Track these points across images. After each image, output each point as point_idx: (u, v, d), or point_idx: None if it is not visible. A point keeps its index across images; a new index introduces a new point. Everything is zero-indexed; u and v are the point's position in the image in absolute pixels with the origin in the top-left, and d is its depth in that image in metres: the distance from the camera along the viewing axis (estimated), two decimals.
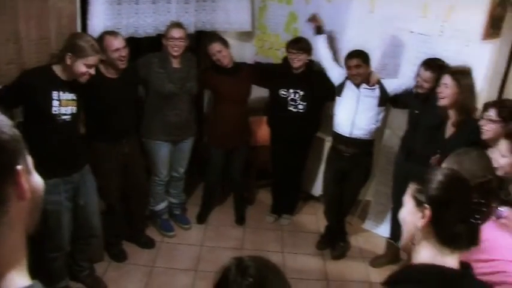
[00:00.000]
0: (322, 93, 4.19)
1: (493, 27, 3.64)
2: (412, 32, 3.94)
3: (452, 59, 3.67)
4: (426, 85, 3.53)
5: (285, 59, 4.25)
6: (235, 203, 4.80)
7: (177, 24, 3.88)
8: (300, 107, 4.20)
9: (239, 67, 4.22)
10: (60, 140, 3.06)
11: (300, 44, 4.11)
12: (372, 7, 4.20)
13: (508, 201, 2.16)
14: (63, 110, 3.03)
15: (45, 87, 2.95)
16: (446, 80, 3.17)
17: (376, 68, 4.05)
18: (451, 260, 1.42)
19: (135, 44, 3.93)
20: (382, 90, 3.86)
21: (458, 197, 1.46)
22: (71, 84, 3.04)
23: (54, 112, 2.99)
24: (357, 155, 3.96)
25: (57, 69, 3.00)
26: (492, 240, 1.82)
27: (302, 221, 4.82)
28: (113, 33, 3.46)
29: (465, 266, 1.44)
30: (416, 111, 3.66)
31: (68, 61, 2.93)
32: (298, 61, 4.09)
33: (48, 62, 3.03)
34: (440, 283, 1.39)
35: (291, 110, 4.22)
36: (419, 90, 3.59)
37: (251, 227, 4.64)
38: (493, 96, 5.20)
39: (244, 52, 5.02)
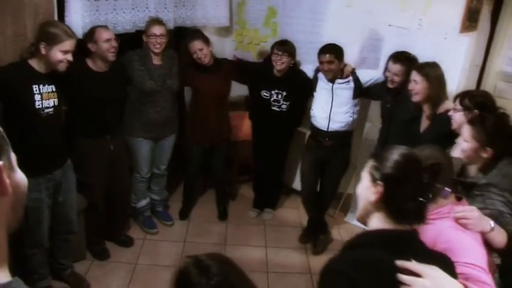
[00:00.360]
0: (304, 91, 4.19)
1: (470, 20, 3.69)
2: (390, 25, 3.97)
3: (431, 52, 3.72)
4: (396, 78, 3.55)
5: (266, 60, 4.23)
6: (217, 198, 4.80)
7: (158, 21, 3.83)
8: (284, 106, 4.20)
9: (219, 64, 4.20)
10: (44, 135, 3.02)
11: (286, 47, 4.07)
12: (349, 1, 4.22)
13: (468, 184, 2.30)
14: (45, 103, 2.98)
15: (24, 81, 2.90)
16: (415, 76, 3.20)
17: (355, 62, 4.08)
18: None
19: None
20: (357, 81, 3.89)
21: (411, 177, 1.53)
22: (49, 76, 2.99)
23: (37, 107, 2.94)
24: (335, 145, 4.01)
25: (33, 62, 2.95)
26: (455, 242, 1.85)
27: (284, 216, 4.84)
28: (103, 26, 3.47)
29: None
30: (388, 105, 3.71)
31: (43, 51, 2.88)
32: (281, 63, 4.05)
33: (21, 57, 2.97)
34: (389, 243, 1.48)
35: (274, 110, 4.22)
36: (390, 85, 3.60)
37: (234, 222, 4.65)
38: (471, 87, 5.27)
39: (223, 47, 5.01)
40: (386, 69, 3.66)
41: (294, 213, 4.88)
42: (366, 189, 1.59)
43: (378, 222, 1.56)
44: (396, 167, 1.52)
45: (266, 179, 4.70)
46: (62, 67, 2.95)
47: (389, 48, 3.96)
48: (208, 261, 1.37)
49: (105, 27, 3.48)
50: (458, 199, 2.09)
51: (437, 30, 3.72)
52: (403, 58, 3.55)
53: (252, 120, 4.58)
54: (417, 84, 3.19)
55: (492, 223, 1.97)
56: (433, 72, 3.20)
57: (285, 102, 4.18)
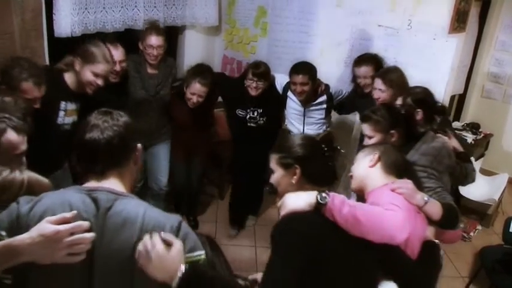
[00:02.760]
0: (279, 107, 4.07)
1: (459, 21, 3.71)
2: (380, 25, 3.99)
3: (420, 52, 3.74)
4: (368, 81, 3.53)
5: (242, 78, 3.96)
6: (188, 209, 4.51)
7: (156, 29, 3.64)
8: (261, 122, 3.98)
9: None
10: (57, 146, 2.92)
11: (261, 71, 3.80)
12: (339, 1, 4.23)
13: None
14: (66, 119, 2.96)
15: (55, 97, 2.86)
16: (380, 85, 3.20)
17: (345, 62, 4.07)
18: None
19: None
20: (329, 98, 3.83)
21: (315, 150, 1.90)
22: (77, 94, 2.95)
23: (59, 122, 2.92)
24: None
25: (67, 77, 2.92)
26: (384, 195, 2.02)
27: (273, 214, 4.82)
28: (114, 43, 3.34)
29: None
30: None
31: (77, 66, 2.86)
32: (256, 90, 3.79)
33: (58, 69, 2.94)
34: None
35: (251, 126, 3.99)
36: (366, 90, 3.56)
37: (223, 221, 4.62)
38: (460, 87, 5.32)
39: (213, 46, 5.01)
40: (354, 77, 3.64)
41: None
42: (283, 177, 1.86)
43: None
44: (303, 148, 1.87)
45: (245, 194, 4.41)
46: (90, 89, 2.88)
47: (378, 48, 3.97)
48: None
49: (116, 44, 3.36)
50: None
51: (426, 30, 3.74)
52: (365, 58, 3.58)
53: (231, 133, 4.36)
54: (383, 93, 3.19)
55: (426, 197, 2.11)
56: (396, 78, 3.21)
57: (261, 118, 3.97)
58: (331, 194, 1.72)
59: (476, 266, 4.05)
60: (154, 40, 3.58)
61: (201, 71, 3.74)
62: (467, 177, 2.90)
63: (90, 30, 3.60)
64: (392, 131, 2.61)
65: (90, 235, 1.39)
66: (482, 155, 5.25)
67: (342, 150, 2.20)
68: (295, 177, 1.82)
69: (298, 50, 4.51)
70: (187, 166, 4.20)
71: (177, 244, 1.42)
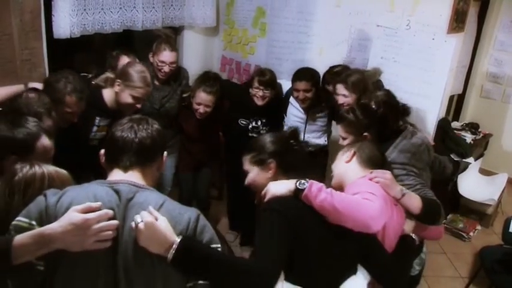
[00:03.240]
0: (281, 114, 3.93)
1: (457, 21, 3.70)
2: (379, 25, 3.98)
3: (419, 52, 3.74)
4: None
5: (247, 85, 3.81)
6: None
7: (170, 44, 3.58)
8: (263, 132, 3.80)
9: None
10: (83, 160, 2.72)
11: (267, 79, 3.64)
12: (338, 1, 4.23)
13: None
14: (98, 134, 2.97)
15: (92, 113, 2.87)
16: (342, 90, 3.15)
17: (344, 62, 4.07)
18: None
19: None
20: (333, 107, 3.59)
21: (286, 144, 2.07)
22: (112, 111, 2.95)
23: (90, 137, 2.93)
24: (312, 153, 3.86)
25: (106, 93, 2.92)
26: (361, 183, 2.11)
27: None
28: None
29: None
30: None
31: (117, 88, 2.87)
32: (263, 99, 3.64)
33: (96, 86, 2.95)
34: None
35: (252, 136, 3.75)
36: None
37: (222, 221, 4.61)
38: (459, 88, 5.33)
39: (212, 47, 5.00)
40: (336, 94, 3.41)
41: None
42: (259, 175, 2.02)
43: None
44: (275, 143, 2.04)
45: (241, 206, 4.06)
46: (128, 111, 2.83)
47: (377, 48, 3.98)
48: None
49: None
50: None
51: (425, 30, 3.73)
52: (332, 75, 3.51)
53: (226, 146, 4.20)
54: (347, 98, 3.15)
55: (404, 190, 2.18)
56: (357, 81, 3.13)
57: (264, 128, 3.84)
58: (310, 181, 1.85)
59: (475, 266, 4.05)
60: (168, 57, 3.53)
61: (206, 79, 3.60)
62: (445, 170, 2.95)
63: (89, 31, 3.59)
64: (365, 134, 2.60)
65: (116, 222, 1.49)
66: (481, 155, 5.25)
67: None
68: (270, 171, 2.00)
69: (297, 51, 4.50)
70: (194, 176, 4.07)
71: (163, 218, 1.52)
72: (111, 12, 3.76)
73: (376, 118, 2.64)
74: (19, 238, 1.43)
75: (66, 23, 3.41)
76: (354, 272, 1.92)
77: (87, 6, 3.58)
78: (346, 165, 2.22)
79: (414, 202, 2.18)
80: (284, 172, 1.99)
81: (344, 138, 2.67)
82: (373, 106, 2.68)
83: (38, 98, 2.34)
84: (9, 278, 1.48)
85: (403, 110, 2.81)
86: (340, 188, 2.15)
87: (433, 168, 2.75)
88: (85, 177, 2.48)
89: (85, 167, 2.78)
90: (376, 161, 2.22)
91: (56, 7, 3.35)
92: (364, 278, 1.92)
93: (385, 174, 2.14)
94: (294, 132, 2.16)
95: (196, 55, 4.72)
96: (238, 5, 4.83)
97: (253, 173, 2.04)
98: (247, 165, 2.07)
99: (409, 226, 2.22)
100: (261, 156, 2.02)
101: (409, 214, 2.21)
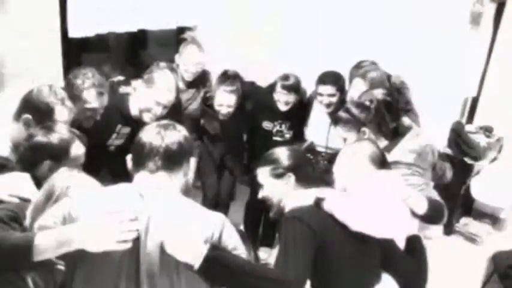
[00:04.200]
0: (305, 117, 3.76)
1: (473, 23, 3.68)
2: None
3: (433, 52, 3.72)
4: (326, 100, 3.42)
5: (272, 87, 3.67)
6: None
7: (198, 43, 3.50)
8: (287, 135, 3.70)
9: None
10: (98, 165, 2.81)
11: (291, 83, 3.51)
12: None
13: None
14: (116, 141, 2.93)
15: (115, 119, 2.84)
16: (360, 85, 3.07)
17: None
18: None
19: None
20: None
21: (303, 158, 2.20)
22: (135, 119, 2.88)
23: (108, 143, 2.90)
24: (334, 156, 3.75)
25: (132, 102, 2.88)
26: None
27: None
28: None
29: None
30: None
31: (139, 91, 2.84)
32: (287, 105, 3.53)
33: (126, 92, 2.95)
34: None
35: (276, 140, 3.66)
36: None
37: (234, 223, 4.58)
38: (473, 88, 5.26)
39: (229, 48, 4.99)
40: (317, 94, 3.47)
41: None
42: (275, 187, 2.06)
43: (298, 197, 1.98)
44: (293, 157, 2.10)
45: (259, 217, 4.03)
46: (146, 116, 2.79)
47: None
48: None
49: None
50: None
51: (442, 30, 3.69)
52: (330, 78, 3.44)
53: (250, 150, 4.04)
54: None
55: (410, 190, 2.19)
56: (376, 77, 3.06)
57: (288, 132, 3.70)
58: (330, 190, 1.92)
59: (488, 270, 4.01)
60: (196, 57, 3.46)
61: (225, 78, 3.48)
62: (443, 176, 2.94)
63: (103, 31, 3.60)
64: (363, 129, 2.57)
65: (137, 223, 1.50)
66: (495, 159, 5.19)
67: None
68: (288, 184, 2.04)
69: (307, 51, 4.47)
70: (218, 178, 3.91)
71: (190, 225, 1.54)
72: (125, 11, 3.77)
73: (371, 114, 2.59)
74: (41, 235, 1.46)
75: (81, 22, 3.43)
76: (378, 279, 1.94)
77: (101, 6, 3.59)
78: (347, 166, 2.18)
79: (420, 203, 2.17)
80: (302, 185, 2.03)
81: (345, 139, 2.67)
82: (367, 103, 2.63)
83: (49, 89, 2.31)
84: (29, 275, 1.52)
85: (404, 109, 2.84)
86: (344, 189, 2.14)
87: (433, 170, 2.73)
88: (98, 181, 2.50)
89: (98, 171, 2.79)
90: (377, 160, 2.19)
91: (70, 6, 3.36)
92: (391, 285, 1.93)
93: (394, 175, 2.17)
94: (310, 146, 2.30)
95: (212, 56, 4.71)
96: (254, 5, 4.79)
97: (269, 186, 2.08)
98: (263, 178, 2.10)
99: (414, 226, 2.21)
100: (279, 170, 2.06)
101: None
